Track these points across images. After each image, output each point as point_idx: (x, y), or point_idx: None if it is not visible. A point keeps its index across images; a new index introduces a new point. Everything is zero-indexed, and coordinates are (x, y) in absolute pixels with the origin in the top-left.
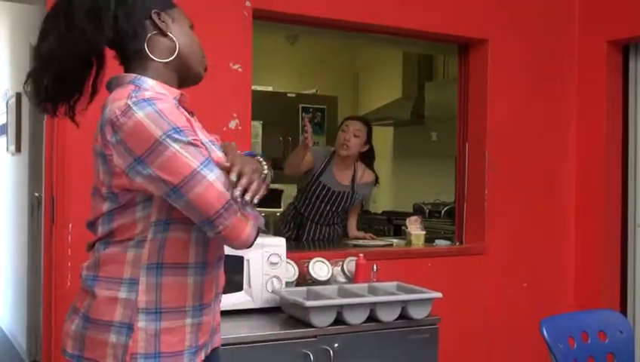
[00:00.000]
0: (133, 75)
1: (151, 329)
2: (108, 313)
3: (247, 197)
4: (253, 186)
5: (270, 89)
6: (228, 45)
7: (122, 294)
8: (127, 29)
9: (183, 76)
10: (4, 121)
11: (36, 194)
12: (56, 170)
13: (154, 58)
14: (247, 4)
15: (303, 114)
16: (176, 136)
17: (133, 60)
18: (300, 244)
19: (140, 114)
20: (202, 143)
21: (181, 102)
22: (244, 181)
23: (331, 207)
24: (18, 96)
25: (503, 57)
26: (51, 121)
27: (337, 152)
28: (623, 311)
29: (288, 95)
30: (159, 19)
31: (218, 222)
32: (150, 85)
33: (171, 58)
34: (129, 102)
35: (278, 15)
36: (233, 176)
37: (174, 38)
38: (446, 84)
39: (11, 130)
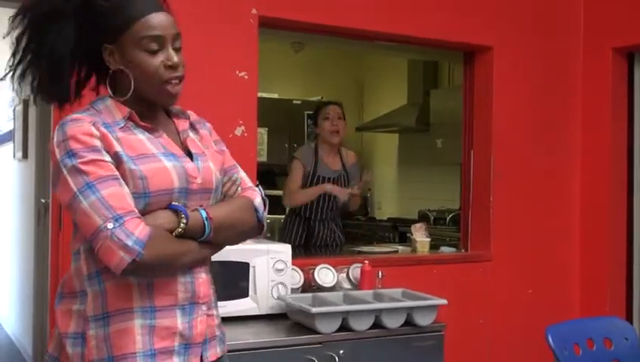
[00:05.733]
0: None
1: (100, 335)
2: (64, 325)
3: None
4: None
5: (276, 96)
6: (234, 53)
7: (76, 306)
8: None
9: (148, 103)
10: (11, 128)
11: (43, 201)
12: None
13: (110, 95)
14: (254, 11)
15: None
16: (66, 160)
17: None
18: (305, 251)
19: (55, 139)
20: (99, 161)
21: (132, 120)
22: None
23: (332, 197)
24: (25, 102)
25: (508, 65)
26: None
27: (329, 141)
28: (629, 317)
29: (294, 102)
30: (108, 55)
31: (93, 243)
32: (104, 105)
33: (126, 97)
34: (58, 125)
35: (283, 23)
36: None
37: (129, 74)
38: (451, 91)
39: (18, 136)
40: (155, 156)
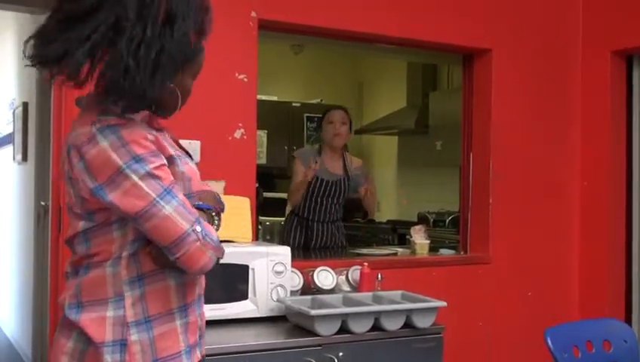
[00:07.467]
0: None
1: (145, 340)
2: (98, 335)
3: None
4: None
5: (275, 98)
6: (233, 55)
7: (110, 313)
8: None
9: (157, 110)
10: (11, 130)
11: (42, 204)
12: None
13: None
14: (253, 14)
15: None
16: (135, 166)
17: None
18: (305, 253)
19: (103, 143)
20: (164, 166)
21: (150, 123)
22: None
23: (332, 200)
24: (25, 105)
25: (507, 67)
26: (58, 130)
27: (330, 144)
28: (628, 320)
29: (293, 104)
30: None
31: (175, 250)
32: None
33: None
34: (94, 129)
35: (283, 25)
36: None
37: (178, 96)
38: (450, 93)
39: (18, 139)
40: (182, 157)
